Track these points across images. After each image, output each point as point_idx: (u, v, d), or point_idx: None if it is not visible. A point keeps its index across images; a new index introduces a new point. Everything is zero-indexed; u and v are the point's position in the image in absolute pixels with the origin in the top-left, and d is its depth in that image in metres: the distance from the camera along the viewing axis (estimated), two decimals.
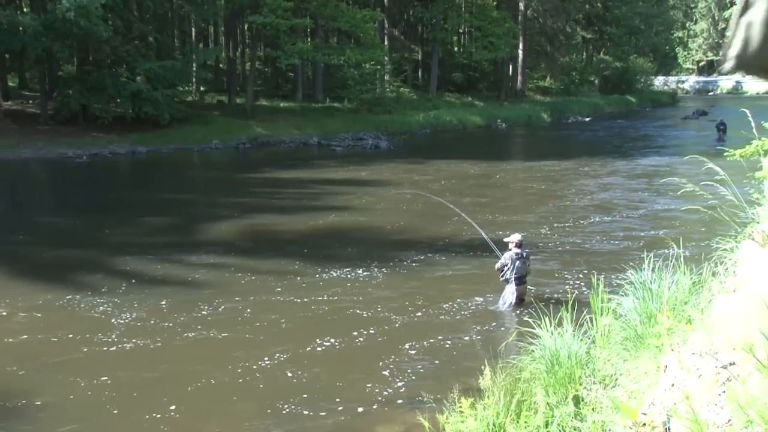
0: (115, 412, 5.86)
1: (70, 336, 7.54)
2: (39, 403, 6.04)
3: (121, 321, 8.02)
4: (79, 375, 6.52)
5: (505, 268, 8.22)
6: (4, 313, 8.34)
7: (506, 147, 31.40)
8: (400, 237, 12.24)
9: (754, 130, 5.10)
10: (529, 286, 8.49)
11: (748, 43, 0.81)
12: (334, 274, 9.81)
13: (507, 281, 8.27)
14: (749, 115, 5.14)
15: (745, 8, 0.80)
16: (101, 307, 8.48)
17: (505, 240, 8.51)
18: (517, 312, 8.03)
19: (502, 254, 8.40)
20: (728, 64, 0.84)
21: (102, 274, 9.99)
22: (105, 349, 7.20)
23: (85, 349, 7.18)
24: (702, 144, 26.84)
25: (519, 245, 8.30)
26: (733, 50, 0.83)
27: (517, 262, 8.18)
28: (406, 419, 5.51)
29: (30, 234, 12.93)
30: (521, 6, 46.62)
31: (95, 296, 8.89)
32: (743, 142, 5.35)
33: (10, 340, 7.50)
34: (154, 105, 27.73)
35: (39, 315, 8.24)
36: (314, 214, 14.32)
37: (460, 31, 48.26)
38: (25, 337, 7.59)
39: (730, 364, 2.87)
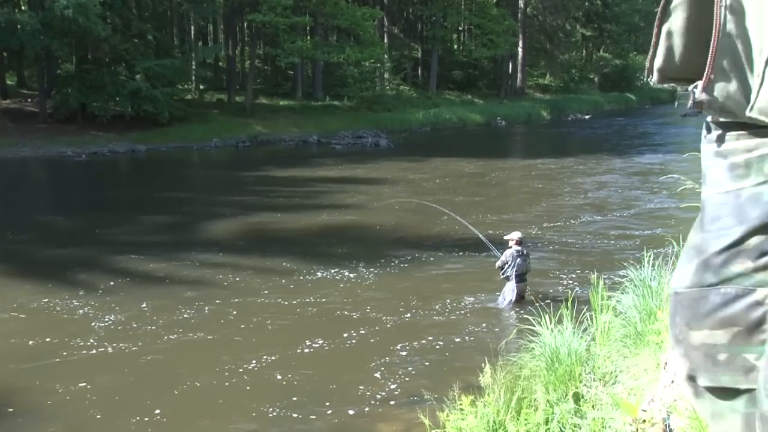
0: (99, 416, 5.72)
1: (56, 337, 7.42)
2: (13, 409, 5.93)
3: (103, 324, 7.86)
4: (60, 378, 6.38)
5: (506, 266, 8.24)
6: None
7: (506, 145, 31.39)
8: (398, 235, 12.24)
9: None
10: (527, 284, 8.50)
11: (670, 53, 0.78)
12: (331, 274, 9.78)
13: (507, 278, 8.29)
14: None
15: (664, 17, 0.77)
16: (84, 309, 8.32)
17: (506, 237, 8.54)
18: (517, 310, 8.03)
19: (501, 253, 8.41)
20: (654, 77, 0.82)
21: (90, 275, 9.89)
22: (85, 352, 7.02)
23: (65, 353, 7.02)
24: (701, 141, 26.79)
25: (519, 242, 8.33)
26: (657, 62, 0.80)
27: (518, 260, 8.20)
28: (406, 417, 5.51)
29: (25, 233, 12.88)
30: (521, 3, 46.58)
31: (82, 297, 8.77)
32: None
33: None
34: (154, 103, 27.72)
35: (23, 316, 8.17)
36: (312, 213, 14.31)
37: (460, 28, 48.22)
38: (8, 338, 7.49)
39: None
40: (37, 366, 6.75)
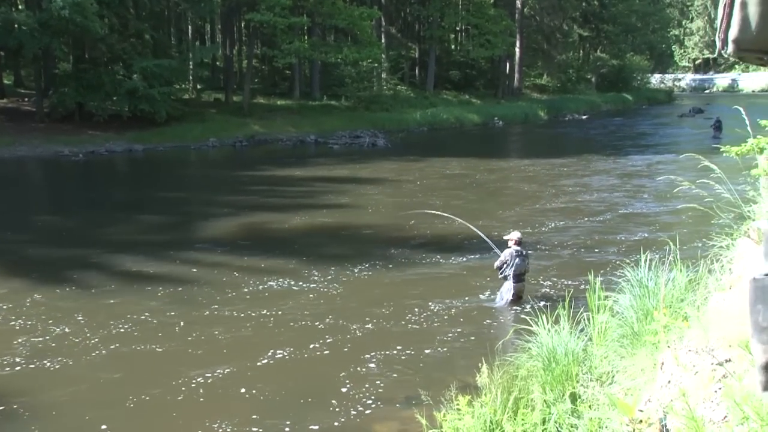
0: None
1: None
2: None
3: (60, 331, 7.53)
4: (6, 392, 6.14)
5: (505, 266, 8.22)
6: None
7: (503, 145, 31.42)
8: (395, 235, 12.22)
9: (749, 128, 5.11)
10: (525, 285, 8.47)
11: (746, 24, 0.78)
12: (327, 273, 9.75)
13: (506, 278, 8.27)
14: (743, 112, 5.16)
15: None
16: (16, 321, 7.96)
17: (505, 237, 8.53)
18: (514, 310, 8.04)
19: (501, 252, 8.40)
20: (729, 48, 0.81)
21: (71, 274, 9.79)
22: (8, 370, 6.62)
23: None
24: (698, 142, 26.95)
25: (519, 243, 8.30)
26: (732, 33, 0.80)
27: (517, 260, 8.18)
28: (403, 417, 5.51)
29: (17, 232, 12.81)
30: (518, 4, 46.60)
31: (42, 299, 8.62)
32: (739, 139, 5.37)
33: None
34: (151, 103, 27.67)
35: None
36: (309, 213, 14.29)
37: (457, 28, 48.25)
38: None
39: (726, 360, 2.88)
40: None
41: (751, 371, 2.64)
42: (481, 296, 8.67)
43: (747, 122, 5.13)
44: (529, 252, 8.93)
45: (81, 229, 13.00)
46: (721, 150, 5.38)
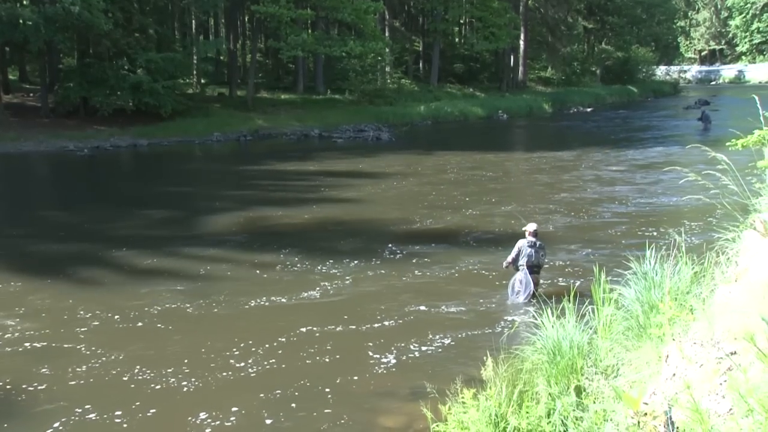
0: None
1: None
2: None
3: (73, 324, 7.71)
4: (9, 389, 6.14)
5: (517, 256, 8.15)
6: None
7: (507, 138, 31.33)
8: (400, 229, 12.22)
9: (762, 118, 5.08)
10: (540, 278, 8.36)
11: None
12: (331, 267, 9.76)
13: (517, 268, 8.17)
14: (758, 101, 5.12)
15: None
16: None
17: (522, 229, 8.54)
18: (519, 303, 8.01)
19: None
20: None
21: (75, 269, 9.86)
22: (11, 367, 6.57)
23: None
24: (704, 134, 26.86)
25: (534, 234, 8.24)
26: None
27: (529, 250, 8.11)
28: (408, 410, 5.52)
29: (23, 227, 12.87)
30: None
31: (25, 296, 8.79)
32: (740, 131, 5.34)
33: None
34: (155, 97, 27.72)
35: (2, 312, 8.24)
36: (313, 207, 14.30)
37: (461, 22, 48.09)
38: None
39: (732, 353, 2.88)
40: None
41: (756, 364, 2.64)
42: (488, 291, 8.65)
43: (761, 111, 5.09)
44: (551, 239, 8.75)
45: (87, 224, 13.04)
46: (727, 144, 5.35)
